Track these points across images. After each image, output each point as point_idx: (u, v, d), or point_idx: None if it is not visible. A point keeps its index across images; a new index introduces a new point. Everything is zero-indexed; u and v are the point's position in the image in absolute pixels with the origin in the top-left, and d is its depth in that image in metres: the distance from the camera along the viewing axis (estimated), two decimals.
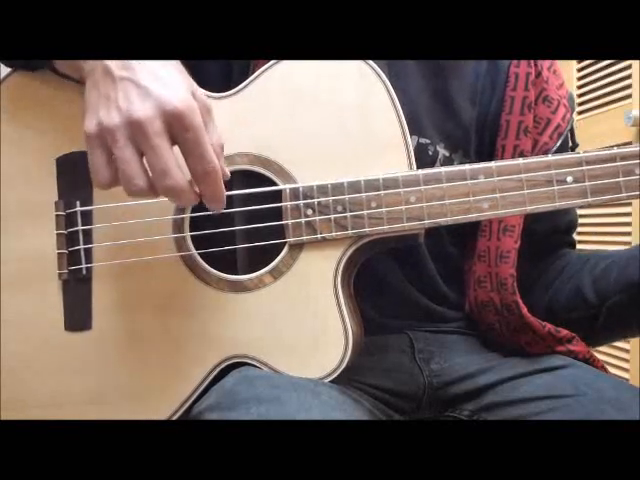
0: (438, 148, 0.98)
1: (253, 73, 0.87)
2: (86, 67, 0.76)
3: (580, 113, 2.31)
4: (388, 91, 0.84)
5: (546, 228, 1.06)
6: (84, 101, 0.75)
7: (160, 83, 0.71)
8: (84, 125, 0.73)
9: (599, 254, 1.05)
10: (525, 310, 0.94)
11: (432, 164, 0.96)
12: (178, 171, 0.72)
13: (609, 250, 1.07)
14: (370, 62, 0.84)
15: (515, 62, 0.99)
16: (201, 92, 0.76)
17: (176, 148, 0.73)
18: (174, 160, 0.72)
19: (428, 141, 0.97)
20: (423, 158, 0.95)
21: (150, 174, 0.72)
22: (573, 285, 1.02)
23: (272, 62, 0.85)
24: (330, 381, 0.82)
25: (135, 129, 0.70)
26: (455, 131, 1.00)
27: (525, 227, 0.97)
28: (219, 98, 0.87)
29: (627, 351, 2.13)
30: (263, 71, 0.86)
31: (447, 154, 0.99)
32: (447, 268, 1.02)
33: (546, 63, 1.01)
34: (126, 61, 0.73)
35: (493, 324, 0.98)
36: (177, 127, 0.71)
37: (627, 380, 2.04)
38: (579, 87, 2.36)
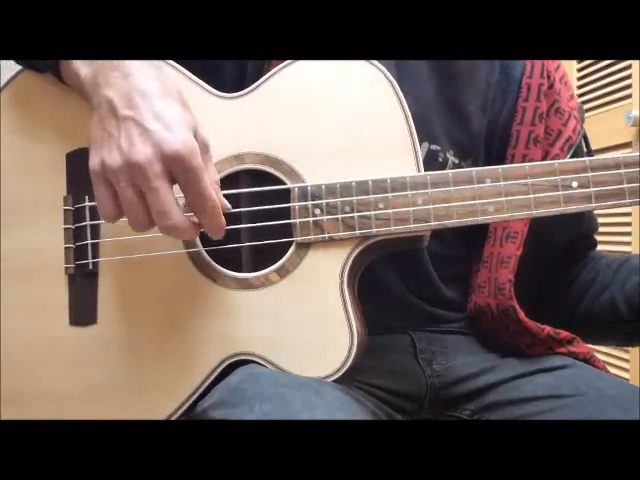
0: (448, 155, 0.98)
1: (266, 73, 0.87)
2: (94, 99, 0.78)
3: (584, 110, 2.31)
4: (397, 94, 0.84)
5: (570, 235, 1.08)
6: (89, 135, 0.77)
7: (162, 124, 0.73)
8: (89, 161, 0.76)
9: (627, 263, 1.05)
10: (522, 315, 0.94)
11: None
12: (177, 211, 0.75)
13: (635, 256, 1.07)
14: (380, 66, 0.85)
15: (528, 73, 1.00)
16: (202, 132, 0.78)
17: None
18: (173, 201, 0.75)
19: (438, 148, 0.98)
20: (433, 165, 0.95)
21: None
22: (607, 299, 1.03)
23: (284, 63, 0.86)
24: (333, 381, 0.82)
25: (135, 171, 0.73)
26: (465, 139, 1.00)
27: (545, 236, 0.98)
28: (232, 98, 0.88)
29: (627, 351, 2.13)
30: (275, 72, 0.87)
31: (457, 161, 0.99)
32: (446, 271, 1.02)
33: (558, 75, 1.02)
34: (130, 97, 0.75)
35: (491, 329, 0.98)
36: (177, 169, 0.73)
37: (627, 380, 2.04)
38: (579, 87, 2.36)
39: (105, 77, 0.77)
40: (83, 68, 0.80)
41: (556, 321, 0.99)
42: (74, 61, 0.82)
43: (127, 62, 0.77)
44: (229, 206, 0.81)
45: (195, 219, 0.78)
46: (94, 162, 0.76)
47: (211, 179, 0.77)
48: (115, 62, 0.77)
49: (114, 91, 0.76)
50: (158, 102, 0.75)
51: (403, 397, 0.95)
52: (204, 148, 0.77)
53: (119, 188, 0.74)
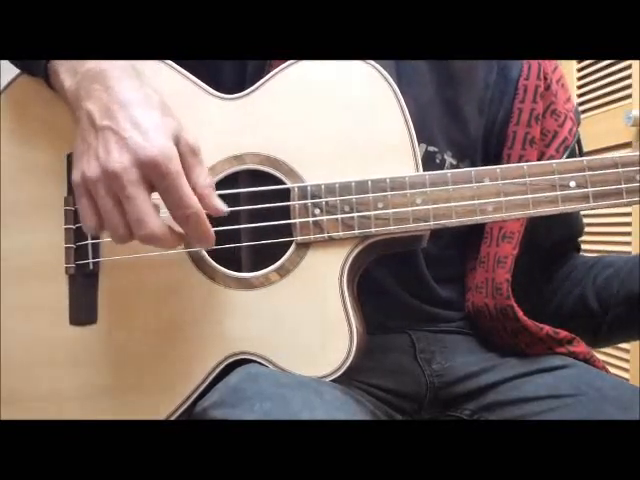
0: (446, 156, 0.99)
1: (267, 74, 0.88)
2: (77, 112, 0.79)
3: (580, 113, 2.31)
4: (396, 95, 0.85)
5: (558, 237, 1.08)
6: (74, 147, 0.78)
7: (139, 131, 0.73)
8: (72, 174, 0.77)
9: (602, 260, 1.07)
10: (521, 314, 0.94)
11: None
12: (154, 219, 0.74)
13: (611, 255, 1.09)
14: (379, 67, 0.85)
15: (525, 74, 1.00)
16: (187, 136, 0.77)
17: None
18: (150, 209, 0.74)
19: (436, 149, 0.98)
20: (431, 166, 0.96)
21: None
22: (578, 293, 1.04)
23: (284, 65, 0.87)
24: (332, 380, 0.82)
25: (112, 180, 0.73)
26: (463, 140, 1.01)
27: (537, 237, 0.99)
28: (232, 99, 0.88)
29: (627, 351, 2.13)
30: (275, 73, 0.87)
31: (454, 162, 0.99)
32: (441, 271, 1.02)
33: (555, 76, 1.03)
34: (109, 108, 0.75)
35: (490, 329, 0.99)
36: (153, 175, 0.73)
37: (627, 380, 2.05)
38: (579, 87, 2.36)
39: (86, 90, 0.77)
40: (67, 80, 0.81)
41: (531, 317, 0.99)
42: (61, 71, 0.82)
43: (109, 74, 0.77)
44: (226, 210, 0.79)
45: (179, 228, 0.78)
46: (75, 174, 0.76)
47: (199, 183, 0.76)
48: (97, 74, 0.77)
49: (93, 103, 0.76)
50: (136, 110, 0.75)
51: (403, 397, 0.95)
52: (191, 152, 0.76)
53: (98, 199, 0.74)
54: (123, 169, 0.72)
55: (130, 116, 0.74)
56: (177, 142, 0.75)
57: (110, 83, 0.77)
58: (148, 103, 0.76)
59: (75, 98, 0.79)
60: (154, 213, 0.74)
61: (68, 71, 0.81)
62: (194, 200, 0.75)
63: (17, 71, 0.92)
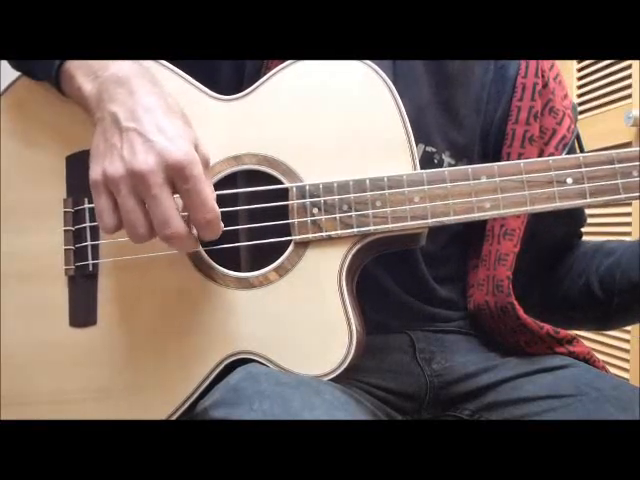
0: (444, 156, 0.99)
1: (264, 75, 0.88)
2: (97, 113, 0.79)
3: (580, 113, 2.30)
4: (393, 95, 0.85)
5: (563, 231, 1.10)
6: (91, 147, 0.78)
7: (164, 136, 0.75)
8: (89, 172, 0.77)
9: (602, 247, 1.08)
10: (521, 312, 0.95)
11: None
12: (179, 220, 0.76)
13: (611, 241, 1.10)
14: (376, 67, 0.86)
15: (522, 72, 1.01)
16: (203, 147, 0.79)
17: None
18: (175, 209, 0.75)
19: (434, 149, 0.98)
20: (429, 166, 0.96)
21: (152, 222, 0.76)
22: (583, 283, 1.05)
23: (282, 65, 0.87)
24: (331, 380, 0.82)
25: (137, 180, 0.74)
26: (460, 140, 1.01)
27: (542, 234, 1.00)
28: (230, 100, 0.88)
29: (627, 351, 2.13)
30: (273, 74, 0.87)
31: (452, 162, 1.00)
32: (441, 270, 1.03)
33: (552, 74, 1.03)
34: (134, 111, 0.76)
35: (491, 327, 0.99)
36: (178, 178, 0.74)
37: (627, 380, 2.04)
38: (579, 87, 2.35)
39: (110, 94, 0.78)
40: (87, 84, 0.81)
41: (539, 308, 0.99)
42: (77, 75, 0.83)
43: (133, 80, 0.79)
44: (222, 226, 0.81)
45: (194, 231, 0.79)
46: (95, 172, 0.76)
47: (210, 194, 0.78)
48: (121, 79, 0.79)
49: (118, 106, 0.77)
50: (161, 116, 0.77)
51: (403, 397, 0.95)
52: (205, 163, 0.78)
53: (120, 197, 0.75)
54: (150, 170, 0.73)
55: (155, 121, 0.76)
56: (196, 150, 0.77)
57: (134, 88, 0.78)
58: (171, 111, 0.78)
59: (96, 100, 0.80)
60: (178, 214, 0.76)
61: (87, 75, 0.82)
62: (214, 204, 0.77)
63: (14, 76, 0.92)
